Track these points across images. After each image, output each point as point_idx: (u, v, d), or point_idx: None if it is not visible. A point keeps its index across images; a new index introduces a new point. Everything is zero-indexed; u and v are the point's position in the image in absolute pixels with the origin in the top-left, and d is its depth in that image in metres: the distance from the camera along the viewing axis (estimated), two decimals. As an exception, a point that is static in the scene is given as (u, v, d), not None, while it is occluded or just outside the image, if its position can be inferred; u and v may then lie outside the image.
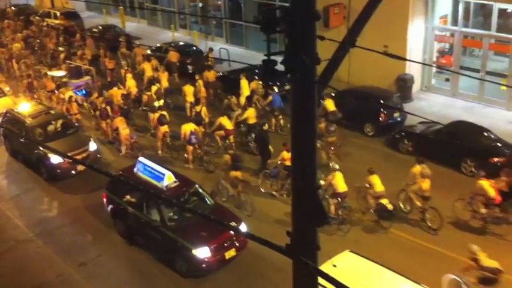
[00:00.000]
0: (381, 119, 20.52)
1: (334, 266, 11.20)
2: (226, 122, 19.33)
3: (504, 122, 20.98)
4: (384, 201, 14.99)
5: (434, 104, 22.96)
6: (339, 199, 15.15)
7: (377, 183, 15.12)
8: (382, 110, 20.49)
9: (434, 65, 24.22)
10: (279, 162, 16.88)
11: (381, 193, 15.08)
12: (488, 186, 14.55)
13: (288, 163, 16.40)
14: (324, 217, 4.92)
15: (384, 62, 21.49)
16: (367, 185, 15.23)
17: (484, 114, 21.59)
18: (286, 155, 16.45)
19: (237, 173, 16.11)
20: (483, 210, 14.65)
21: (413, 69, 23.51)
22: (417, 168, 15.16)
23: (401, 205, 15.74)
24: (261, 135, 18.83)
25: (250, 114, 20.03)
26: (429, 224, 15.08)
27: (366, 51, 5.80)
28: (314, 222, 4.94)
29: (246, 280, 13.64)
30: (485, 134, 18.14)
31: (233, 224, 13.93)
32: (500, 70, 22.76)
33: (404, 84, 23.26)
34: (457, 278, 11.82)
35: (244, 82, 22.55)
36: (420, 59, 23.28)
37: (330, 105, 20.06)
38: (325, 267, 11.21)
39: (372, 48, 5.78)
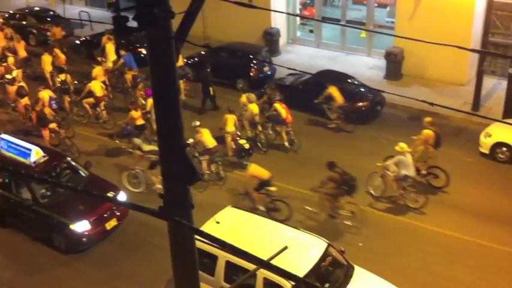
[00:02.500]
0: (252, 74, 20.77)
1: (218, 222, 11.35)
2: (97, 88, 18.49)
3: (365, 67, 22.15)
4: (242, 141, 15.95)
5: (301, 56, 23.61)
6: (210, 155, 15.34)
7: (230, 123, 15.94)
8: (252, 65, 20.73)
9: (299, 15, 24.81)
10: (125, 124, 16.69)
11: (233, 133, 16.05)
12: (280, 108, 16.37)
13: (138, 122, 16.55)
14: (195, 175, 4.85)
15: (249, 17, 21.62)
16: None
17: (347, 62, 22.62)
18: (135, 113, 16.52)
19: (53, 125, 16.81)
20: (278, 129, 16.90)
21: (278, 23, 23.91)
22: (243, 97, 16.98)
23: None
24: (205, 76, 19.20)
25: (97, 73, 19.42)
26: (260, 146, 16.86)
27: (231, 7, 5.69)
28: (185, 181, 4.86)
29: (130, 248, 13.39)
30: (350, 80, 19.04)
31: (111, 193, 13.55)
32: (359, 18, 23.84)
33: (271, 38, 23.61)
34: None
35: (109, 46, 21.64)
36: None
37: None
38: (209, 225, 11.34)
39: (235, 3, 5.67)
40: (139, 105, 17.23)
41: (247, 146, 15.88)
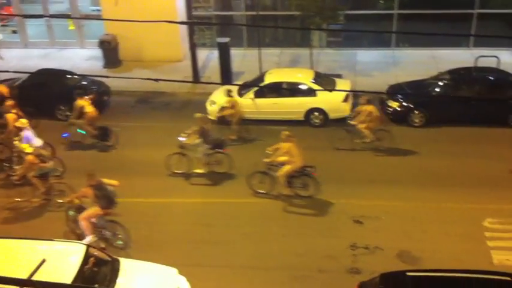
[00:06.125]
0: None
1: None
2: None
3: (82, 60, 21.56)
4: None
5: (9, 59, 21.76)
6: None
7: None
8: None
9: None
10: None
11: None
12: None
13: None
14: None
15: None
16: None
17: (62, 57, 21.73)
18: None
19: None
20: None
21: (-27, 28, 21.64)
22: None
23: None
24: None
25: None
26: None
27: None
28: None
29: None
30: (69, 76, 18.31)
31: None
32: (63, 11, 22.96)
33: (-33, 45, 21.29)
34: None
35: None
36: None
37: None
38: None
39: None
40: None
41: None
